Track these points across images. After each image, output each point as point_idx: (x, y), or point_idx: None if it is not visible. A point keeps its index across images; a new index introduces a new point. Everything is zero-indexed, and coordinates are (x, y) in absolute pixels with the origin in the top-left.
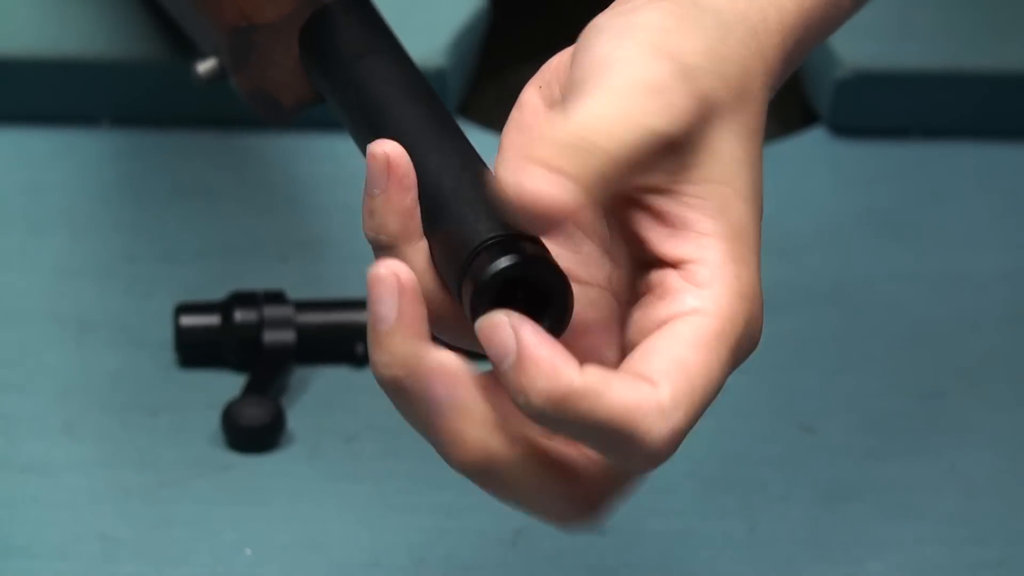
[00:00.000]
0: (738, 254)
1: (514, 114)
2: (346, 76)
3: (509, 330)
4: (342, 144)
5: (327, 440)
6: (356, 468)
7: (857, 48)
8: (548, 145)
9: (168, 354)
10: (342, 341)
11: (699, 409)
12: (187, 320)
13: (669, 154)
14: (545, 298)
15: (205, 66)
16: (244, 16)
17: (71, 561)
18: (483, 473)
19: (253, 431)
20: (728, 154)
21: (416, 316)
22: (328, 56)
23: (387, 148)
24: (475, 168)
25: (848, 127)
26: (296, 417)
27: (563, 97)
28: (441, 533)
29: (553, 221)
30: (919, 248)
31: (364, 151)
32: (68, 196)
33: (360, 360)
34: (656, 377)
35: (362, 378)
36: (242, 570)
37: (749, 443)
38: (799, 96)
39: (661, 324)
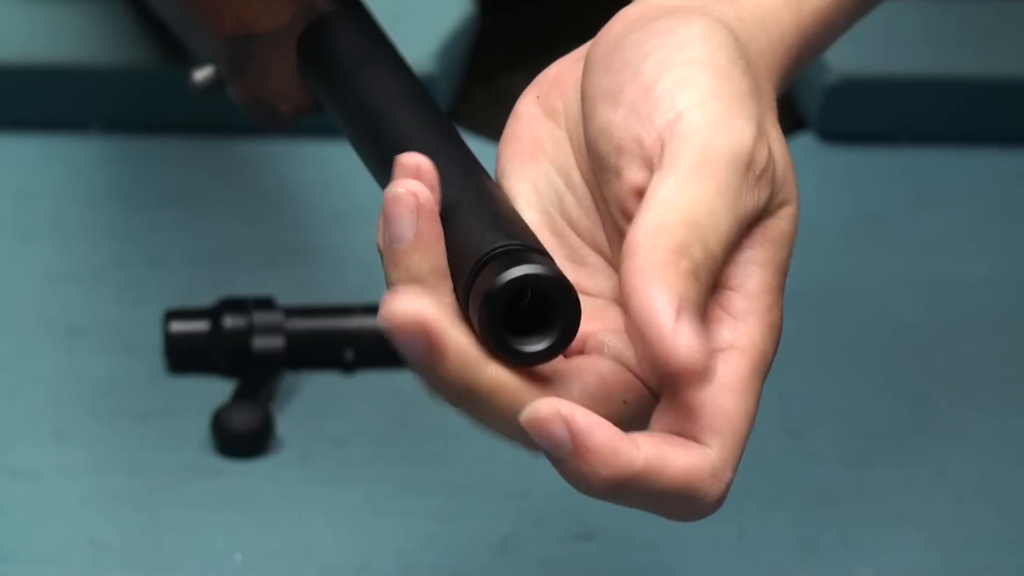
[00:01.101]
0: (775, 283)
1: (511, 124)
2: (346, 85)
3: (560, 423)
4: (331, 150)
5: (316, 446)
6: (345, 474)
7: (845, 54)
8: (666, 270)
9: (158, 360)
10: (332, 347)
11: (742, 452)
12: (177, 326)
13: None
14: (551, 308)
15: (202, 74)
16: (242, 26)
17: (61, 567)
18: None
19: (243, 437)
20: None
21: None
22: (327, 65)
23: (414, 187)
24: (479, 177)
25: (836, 133)
26: (285, 423)
27: (633, 153)
28: (430, 539)
29: (691, 383)
30: (907, 253)
31: (365, 160)
32: (58, 202)
33: (349, 366)
34: (704, 436)
35: (352, 384)
36: (232, 575)
37: None
38: (787, 102)
39: None
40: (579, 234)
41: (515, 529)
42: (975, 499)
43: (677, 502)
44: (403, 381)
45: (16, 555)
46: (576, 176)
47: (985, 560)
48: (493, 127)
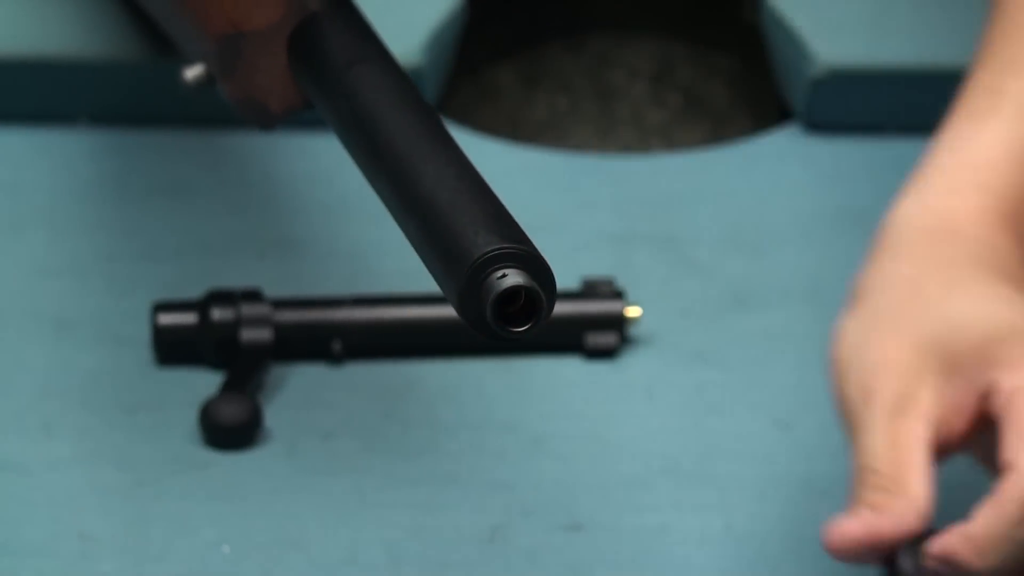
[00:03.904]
0: None
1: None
2: (337, 84)
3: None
4: (319, 142)
5: (304, 438)
6: (333, 465)
7: (831, 45)
8: None
9: (146, 352)
10: (319, 339)
11: None
12: (165, 318)
13: None
14: (535, 303)
15: (193, 72)
16: (232, 24)
17: (50, 559)
18: None
19: (231, 429)
20: None
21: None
22: (318, 64)
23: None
24: (470, 178)
25: (822, 124)
26: (273, 415)
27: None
28: (418, 530)
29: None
30: None
31: (354, 157)
32: (47, 195)
33: (337, 358)
34: None
35: (339, 376)
36: (220, 567)
37: (724, 439)
38: (774, 93)
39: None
40: None
41: (503, 520)
42: (962, 488)
43: None
44: (390, 373)
45: (5, 548)
46: None
47: None
48: (480, 119)
